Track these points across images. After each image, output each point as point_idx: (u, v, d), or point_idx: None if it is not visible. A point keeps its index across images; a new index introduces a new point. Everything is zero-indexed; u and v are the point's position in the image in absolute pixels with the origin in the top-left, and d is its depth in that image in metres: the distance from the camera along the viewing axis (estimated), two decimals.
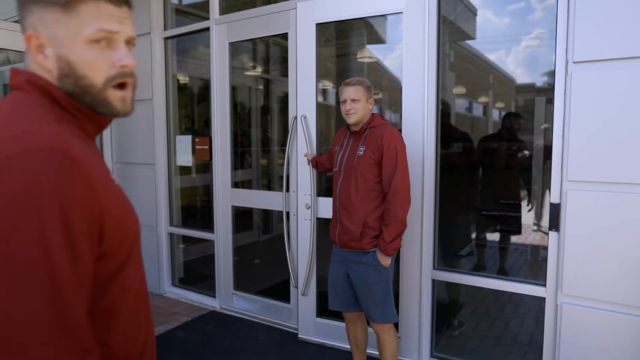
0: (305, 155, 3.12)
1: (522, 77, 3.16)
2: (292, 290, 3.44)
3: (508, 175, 3.25)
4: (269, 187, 4.67)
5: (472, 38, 3.19)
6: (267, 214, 4.28)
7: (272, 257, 4.42)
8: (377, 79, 3.74)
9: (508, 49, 3.03)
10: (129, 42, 0.83)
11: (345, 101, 2.26)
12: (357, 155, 2.26)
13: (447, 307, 3.22)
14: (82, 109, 0.82)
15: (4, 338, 0.63)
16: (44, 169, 0.66)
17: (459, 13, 3.03)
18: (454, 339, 3.16)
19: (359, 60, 3.79)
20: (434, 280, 2.85)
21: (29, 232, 0.64)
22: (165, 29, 4.10)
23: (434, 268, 2.84)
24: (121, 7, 0.82)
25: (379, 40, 3.56)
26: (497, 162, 3.29)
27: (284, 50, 3.43)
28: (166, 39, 4.12)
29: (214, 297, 3.98)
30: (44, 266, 0.65)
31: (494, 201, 3.26)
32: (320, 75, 3.69)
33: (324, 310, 3.15)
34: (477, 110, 3.63)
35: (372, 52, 3.72)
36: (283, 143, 3.45)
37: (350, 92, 2.24)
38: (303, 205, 3.23)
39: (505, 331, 3.16)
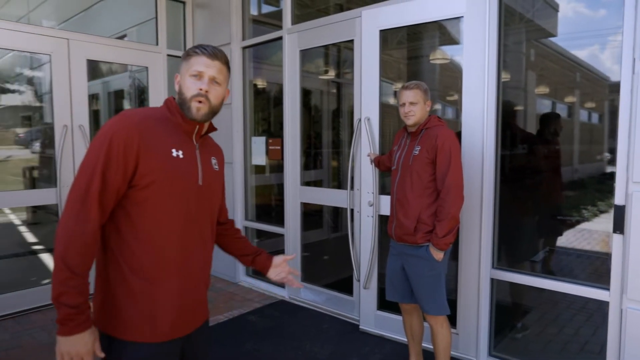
0: (368, 155, 3.29)
1: (615, 74, 2.96)
2: (355, 283, 3.62)
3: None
4: (339, 186, 4.88)
5: (553, 35, 3.12)
6: (337, 213, 4.48)
7: (339, 254, 4.62)
8: (451, 80, 3.78)
9: (596, 44, 2.86)
10: (212, 80, 1.38)
11: (404, 104, 2.41)
12: (413, 154, 2.39)
13: (509, 308, 3.21)
14: (177, 111, 1.40)
15: (72, 195, 1.26)
16: (113, 122, 1.30)
17: (538, 10, 3.00)
18: (514, 341, 3.14)
19: (432, 61, 3.88)
20: (492, 280, 2.88)
21: (97, 146, 1.26)
22: (243, 39, 4.48)
23: (493, 267, 2.88)
24: (213, 60, 1.37)
25: (452, 41, 3.59)
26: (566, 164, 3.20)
27: (352, 54, 3.63)
28: (244, 48, 4.49)
29: (283, 287, 4.27)
30: (92, 164, 1.25)
31: (569, 206, 3.17)
32: (392, 77, 3.84)
33: (384, 303, 3.29)
34: (562, 111, 3.45)
35: (445, 53, 3.78)
36: (350, 144, 3.63)
37: (409, 95, 2.38)
38: (366, 202, 3.40)
39: (567, 336, 3.08)
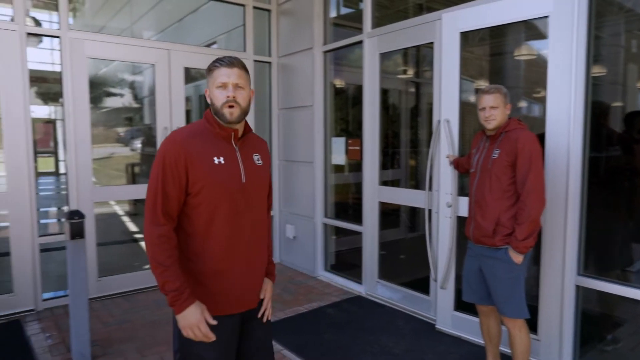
0: (447, 157, 3.31)
1: None
2: (432, 283, 3.65)
3: None
4: (416, 186, 4.91)
5: None
6: (414, 213, 4.53)
7: (416, 253, 4.66)
8: (538, 76, 3.67)
9: None
10: (236, 85, 1.59)
11: (484, 108, 2.42)
12: (492, 158, 2.40)
13: (598, 318, 3.07)
14: (217, 121, 1.64)
15: (146, 205, 1.58)
16: (164, 144, 1.58)
17: None
18: (603, 353, 3.00)
19: (516, 58, 3.78)
20: (578, 287, 2.79)
21: (156, 167, 1.56)
22: (324, 43, 4.67)
23: (579, 274, 2.78)
24: (232, 69, 1.59)
25: (538, 35, 3.48)
26: None
27: (432, 55, 3.66)
28: (325, 52, 4.68)
29: (360, 283, 4.41)
30: (155, 182, 1.56)
31: None
32: (473, 74, 3.80)
33: (461, 304, 3.30)
34: None
35: (531, 48, 3.67)
36: (429, 144, 3.67)
37: (489, 99, 2.40)
38: (444, 203, 3.42)
39: None
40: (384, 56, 4.07)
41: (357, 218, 4.45)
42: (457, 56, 3.26)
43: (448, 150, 3.34)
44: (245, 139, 1.73)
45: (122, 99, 5.08)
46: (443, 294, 3.50)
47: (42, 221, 6.54)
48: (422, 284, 3.81)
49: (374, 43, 4.03)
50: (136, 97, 5.09)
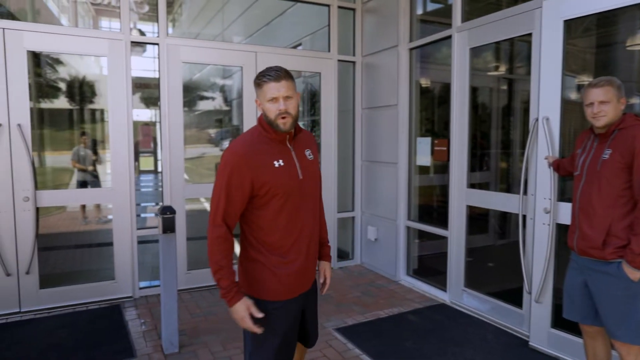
0: (546, 158, 3.02)
1: None
2: (525, 295, 3.36)
3: None
4: (507, 190, 4.57)
5: None
6: (504, 218, 4.22)
7: (506, 261, 4.33)
8: None
9: None
10: (285, 97, 1.72)
11: (592, 104, 2.15)
12: (602, 159, 2.12)
13: None
14: (270, 128, 1.79)
15: (211, 211, 1.75)
16: (228, 156, 1.74)
17: None
18: None
19: (629, 48, 3.36)
20: None
21: (219, 178, 1.73)
22: (410, 40, 4.51)
23: None
24: (280, 82, 1.71)
25: None
26: None
27: (527, 49, 3.37)
28: (411, 49, 4.52)
29: (444, 290, 4.19)
30: (218, 189, 1.74)
31: None
32: (575, 69, 3.45)
33: (560, 321, 2.99)
34: None
35: None
36: (523, 145, 3.38)
37: (598, 93, 2.12)
38: (541, 209, 3.12)
39: None
40: (474, 51, 3.83)
41: (442, 222, 4.24)
42: (560, 47, 2.95)
43: (547, 151, 3.05)
44: (297, 138, 1.89)
45: (213, 102, 5.34)
46: (538, 309, 3.20)
47: (142, 215, 7.11)
48: (513, 296, 3.51)
49: (464, 38, 3.81)
50: (226, 100, 5.33)
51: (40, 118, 4.12)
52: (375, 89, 4.96)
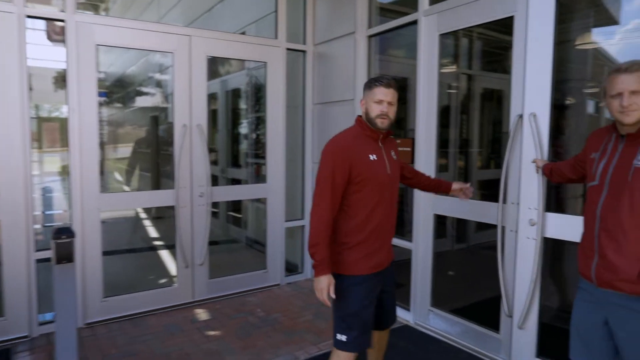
0: (534, 162, 2.58)
1: None
2: (504, 318, 2.92)
3: None
4: (483, 197, 4.11)
5: None
6: (461, 221, 3.79)
7: (470, 270, 3.93)
8: None
9: None
10: (389, 103, 2.07)
11: (620, 94, 1.68)
12: (634, 166, 1.66)
13: None
14: (369, 126, 2.13)
15: (317, 194, 2.05)
16: (331, 147, 2.08)
17: None
18: None
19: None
20: None
21: (325, 166, 2.05)
22: (369, 26, 3.99)
23: None
24: (388, 89, 2.06)
25: None
26: None
27: (501, 37, 2.95)
28: (370, 36, 4.00)
29: (408, 310, 3.70)
30: (324, 174, 2.04)
31: None
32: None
33: (547, 350, 2.58)
34: None
35: None
36: (500, 146, 2.94)
37: (629, 81, 1.65)
38: (526, 221, 2.69)
39: None
40: (445, 39, 3.36)
41: (405, 232, 3.75)
42: (550, 30, 2.53)
43: (534, 152, 2.62)
44: (386, 140, 2.21)
45: (152, 98, 4.61)
46: (521, 335, 2.77)
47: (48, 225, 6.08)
48: (489, 317, 3.08)
49: (433, 22, 3.33)
50: (164, 95, 4.58)
51: None
52: (329, 81, 4.40)
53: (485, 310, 3.16)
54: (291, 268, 4.80)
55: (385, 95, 2.04)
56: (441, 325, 3.42)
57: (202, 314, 3.82)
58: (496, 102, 3.81)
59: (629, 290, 1.65)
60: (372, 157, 2.07)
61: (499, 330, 2.99)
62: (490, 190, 3.28)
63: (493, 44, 3.59)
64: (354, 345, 2.11)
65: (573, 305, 1.93)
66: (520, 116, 2.70)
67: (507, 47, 2.88)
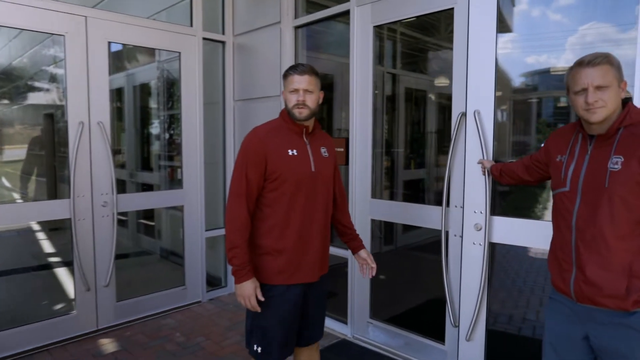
0: (480, 163, 2.42)
1: None
2: (449, 328, 2.76)
3: None
4: (420, 200, 3.92)
5: None
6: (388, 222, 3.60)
7: (407, 275, 3.75)
8: None
9: None
10: (305, 90, 1.93)
11: (584, 90, 1.51)
12: (610, 170, 1.49)
13: None
14: (288, 117, 2.00)
15: (232, 191, 1.92)
16: (248, 138, 1.95)
17: None
18: None
19: None
20: None
21: (240, 158, 1.93)
22: (296, 16, 3.66)
23: None
24: (303, 76, 1.93)
25: None
26: None
27: (440, 30, 2.78)
28: (297, 27, 3.67)
29: (345, 323, 3.43)
30: (239, 168, 1.91)
31: None
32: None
33: None
34: None
35: None
36: (441, 145, 2.77)
37: (594, 75, 1.48)
38: (471, 225, 2.53)
39: None
40: (379, 31, 3.13)
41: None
42: (493, 22, 2.38)
43: (477, 152, 2.46)
44: (314, 135, 2.05)
45: (45, 94, 3.87)
46: (468, 347, 2.61)
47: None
48: (432, 328, 2.90)
49: (366, 13, 3.08)
50: (59, 91, 3.85)
51: None
52: (252, 76, 4.00)
53: (429, 320, 2.98)
54: (213, 282, 4.33)
55: (299, 82, 1.90)
56: (382, 338, 3.20)
57: (108, 345, 3.24)
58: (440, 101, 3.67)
59: (614, 306, 1.48)
60: (292, 152, 1.92)
61: (444, 341, 2.81)
62: (428, 194, 3.12)
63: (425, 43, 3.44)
64: (272, 359, 1.99)
65: (545, 318, 1.75)
66: (463, 114, 2.54)
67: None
